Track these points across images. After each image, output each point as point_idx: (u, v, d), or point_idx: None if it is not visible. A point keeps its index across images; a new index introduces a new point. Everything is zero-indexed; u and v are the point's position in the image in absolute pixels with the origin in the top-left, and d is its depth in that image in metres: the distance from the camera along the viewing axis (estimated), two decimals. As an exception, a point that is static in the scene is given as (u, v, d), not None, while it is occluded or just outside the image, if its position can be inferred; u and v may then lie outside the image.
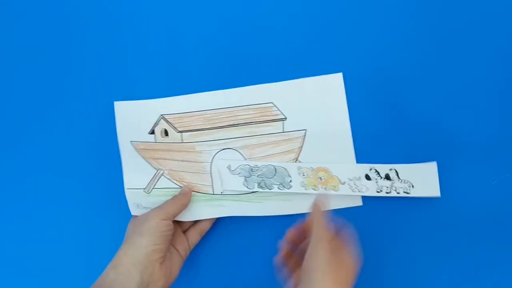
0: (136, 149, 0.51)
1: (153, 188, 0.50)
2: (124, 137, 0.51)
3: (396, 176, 0.48)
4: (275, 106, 0.50)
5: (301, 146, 0.50)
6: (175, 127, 0.50)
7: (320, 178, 0.49)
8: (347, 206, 0.49)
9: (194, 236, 0.50)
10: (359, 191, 0.48)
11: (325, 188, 0.49)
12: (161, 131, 0.51)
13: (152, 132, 0.51)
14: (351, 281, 0.39)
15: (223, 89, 0.51)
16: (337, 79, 0.50)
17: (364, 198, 0.49)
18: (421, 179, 0.48)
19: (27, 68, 0.56)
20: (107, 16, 0.55)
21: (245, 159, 0.50)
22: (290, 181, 0.49)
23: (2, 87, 0.56)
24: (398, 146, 0.50)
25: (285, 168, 0.49)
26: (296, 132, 0.50)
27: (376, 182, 0.48)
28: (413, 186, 0.48)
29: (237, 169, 0.50)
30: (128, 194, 0.50)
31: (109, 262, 0.43)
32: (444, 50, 0.49)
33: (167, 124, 0.50)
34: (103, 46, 0.55)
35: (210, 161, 0.50)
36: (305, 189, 0.49)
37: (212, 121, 0.50)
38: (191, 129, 0.50)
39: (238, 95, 0.50)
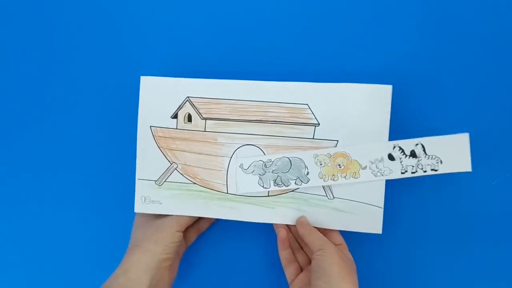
0: (154, 136, 0.48)
1: (165, 181, 0.49)
2: (145, 120, 0.48)
3: (423, 152, 0.44)
4: (309, 108, 0.46)
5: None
6: (200, 113, 0.47)
7: (339, 165, 0.46)
8: (365, 231, 0.46)
9: (192, 236, 0.50)
10: (382, 175, 0.45)
11: (345, 177, 0.46)
12: (185, 116, 0.48)
13: (175, 116, 0.48)
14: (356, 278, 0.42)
15: (256, 80, 0.46)
16: (386, 91, 0.44)
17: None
18: (450, 153, 0.44)
19: (49, 42, 0.54)
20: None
21: (267, 160, 0.47)
22: (307, 173, 0.46)
23: (20, 64, 0.55)
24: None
25: (300, 159, 0.46)
26: (326, 142, 0.46)
27: (401, 162, 0.45)
28: (441, 162, 0.44)
29: (250, 167, 0.47)
30: (138, 185, 0.48)
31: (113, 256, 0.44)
32: (444, 50, 0.49)
33: (192, 108, 0.47)
34: (133, 21, 0.52)
35: (230, 155, 0.47)
36: (324, 181, 0.46)
37: (240, 112, 0.47)
38: (217, 117, 0.47)
39: (272, 89, 0.46)
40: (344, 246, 0.46)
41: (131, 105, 0.48)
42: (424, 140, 0.44)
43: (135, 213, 0.48)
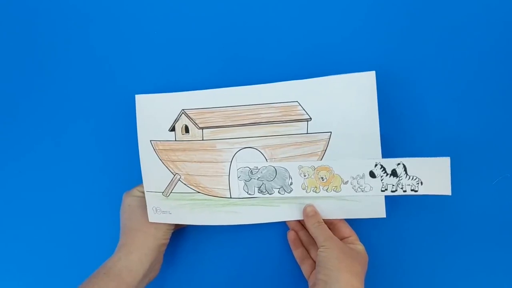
0: (155, 149, 0.50)
1: (171, 192, 0.50)
2: (144, 135, 0.50)
3: (404, 172, 0.45)
4: (300, 105, 0.48)
5: (325, 149, 0.47)
6: (196, 123, 0.49)
7: (322, 178, 0.47)
8: (369, 217, 0.47)
9: (178, 224, 0.52)
10: (362, 191, 0.46)
11: (326, 190, 0.47)
12: (182, 128, 0.49)
13: (173, 129, 0.50)
14: (364, 271, 0.43)
15: (246, 85, 0.48)
16: (369, 78, 0.46)
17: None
18: (431, 176, 0.45)
19: (45, 59, 0.57)
20: (131, 6, 0.54)
21: (267, 160, 0.48)
22: (291, 183, 0.47)
23: (19, 77, 0.57)
24: (402, 146, 0.49)
25: (285, 169, 0.48)
26: (320, 134, 0.47)
27: (382, 180, 0.45)
28: (421, 183, 0.45)
29: (237, 172, 0.49)
30: (147, 197, 0.50)
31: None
32: (444, 51, 0.49)
33: (188, 120, 0.49)
34: (124, 39, 0.55)
35: (230, 160, 0.49)
36: (306, 192, 0.47)
37: (233, 118, 0.49)
38: (212, 125, 0.49)
39: (261, 92, 0.48)
40: (354, 237, 0.47)
41: (132, 121, 0.51)
42: (406, 161, 0.45)
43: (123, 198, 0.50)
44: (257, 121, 0.48)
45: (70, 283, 0.50)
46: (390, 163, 0.45)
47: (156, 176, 0.50)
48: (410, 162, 0.45)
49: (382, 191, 0.45)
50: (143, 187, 0.50)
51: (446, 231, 0.49)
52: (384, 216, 0.46)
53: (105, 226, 0.55)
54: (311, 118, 0.48)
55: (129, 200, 0.50)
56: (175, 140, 0.50)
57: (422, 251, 0.50)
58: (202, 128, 0.49)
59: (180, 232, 0.54)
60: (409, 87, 0.50)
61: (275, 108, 0.48)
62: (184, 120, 0.49)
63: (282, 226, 0.51)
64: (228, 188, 0.49)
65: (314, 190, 0.47)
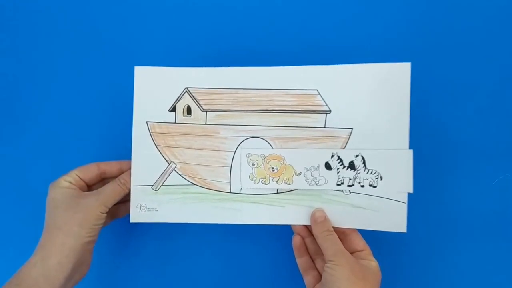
0: (150, 133, 0.44)
1: (162, 185, 0.44)
2: (141, 115, 0.44)
3: (363, 165, 0.41)
4: (319, 94, 0.42)
5: (344, 148, 0.41)
6: (200, 104, 0.43)
7: (272, 168, 0.42)
8: (386, 230, 0.41)
9: (108, 219, 0.46)
10: (316, 184, 0.42)
11: (277, 182, 0.42)
12: (184, 108, 0.44)
13: (173, 109, 0.44)
14: None
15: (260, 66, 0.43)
16: (403, 70, 0.40)
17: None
18: (392, 170, 0.41)
19: (42, 30, 0.52)
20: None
21: (275, 152, 0.43)
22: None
23: (13, 48, 0.52)
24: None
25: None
26: (340, 130, 0.42)
27: (338, 173, 0.42)
28: (381, 178, 0.41)
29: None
30: (133, 192, 0.44)
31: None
32: (444, 52, 0.48)
33: (191, 100, 0.44)
34: (126, 8, 0.49)
35: (234, 149, 0.43)
36: (254, 183, 0.43)
37: (243, 102, 0.43)
38: (218, 108, 0.43)
39: (277, 75, 0.42)
40: (367, 251, 0.41)
41: (125, 101, 0.45)
42: (365, 152, 0.41)
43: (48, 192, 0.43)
44: (269, 108, 0.43)
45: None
46: (348, 154, 0.41)
47: (147, 166, 0.44)
48: (370, 153, 0.41)
49: (337, 185, 0.42)
50: (71, 176, 0.43)
51: (446, 231, 0.48)
52: (404, 230, 0.41)
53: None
54: (330, 111, 0.42)
55: (53, 193, 0.43)
56: (175, 123, 0.44)
57: (421, 251, 0.48)
58: (206, 111, 0.43)
59: (169, 230, 0.49)
60: (443, 81, 0.47)
61: (291, 95, 0.42)
62: (186, 100, 0.44)
63: (286, 228, 0.46)
64: (229, 181, 0.43)
65: (263, 182, 0.42)
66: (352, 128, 0.41)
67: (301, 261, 0.44)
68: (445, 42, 0.48)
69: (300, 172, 0.42)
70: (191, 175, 0.44)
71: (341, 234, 0.42)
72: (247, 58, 0.47)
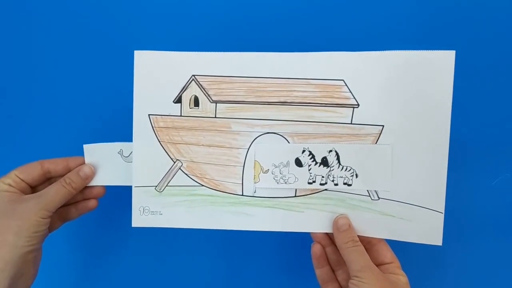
0: (153, 127, 0.39)
1: (166, 186, 0.40)
2: (142, 107, 0.39)
3: (336, 161, 0.38)
4: (346, 85, 0.37)
5: None
6: (208, 95, 0.38)
7: None
8: (419, 242, 0.37)
9: (56, 222, 0.41)
10: (286, 182, 0.39)
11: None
12: (190, 99, 0.39)
13: (179, 100, 0.39)
14: None
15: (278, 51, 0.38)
16: (447, 59, 0.35)
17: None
18: (368, 166, 0.37)
19: (40, 17, 0.47)
20: None
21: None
22: None
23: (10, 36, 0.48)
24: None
25: None
26: (369, 127, 0.37)
27: (309, 170, 0.39)
28: (356, 176, 0.38)
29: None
30: (135, 194, 0.40)
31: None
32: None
33: (199, 89, 0.38)
34: None
35: (247, 147, 0.38)
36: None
37: (258, 93, 0.38)
38: (230, 100, 0.38)
39: (298, 62, 0.37)
40: (396, 264, 0.37)
41: (124, 90, 0.40)
42: (339, 147, 0.38)
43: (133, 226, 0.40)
44: (288, 101, 0.38)
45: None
46: (321, 150, 0.38)
47: (150, 165, 0.40)
48: (345, 148, 0.38)
49: (309, 183, 0.38)
50: (10, 177, 0.38)
51: (446, 231, 0.45)
52: (440, 243, 0.36)
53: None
54: (358, 105, 0.37)
55: None
56: (180, 116, 0.39)
57: (420, 251, 0.45)
58: (216, 102, 0.38)
59: (169, 229, 0.45)
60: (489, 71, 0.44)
61: (313, 86, 0.37)
62: (194, 90, 0.39)
63: (305, 235, 0.42)
64: (241, 182, 0.39)
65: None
66: (383, 126, 0.37)
67: (321, 272, 0.39)
68: (445, 40, 0.45)
69: (268, 169, 0.39)
70: (199, 175, 0.40)
71: (367, 243, 0.37)
72: (263, 42, 0.42)
